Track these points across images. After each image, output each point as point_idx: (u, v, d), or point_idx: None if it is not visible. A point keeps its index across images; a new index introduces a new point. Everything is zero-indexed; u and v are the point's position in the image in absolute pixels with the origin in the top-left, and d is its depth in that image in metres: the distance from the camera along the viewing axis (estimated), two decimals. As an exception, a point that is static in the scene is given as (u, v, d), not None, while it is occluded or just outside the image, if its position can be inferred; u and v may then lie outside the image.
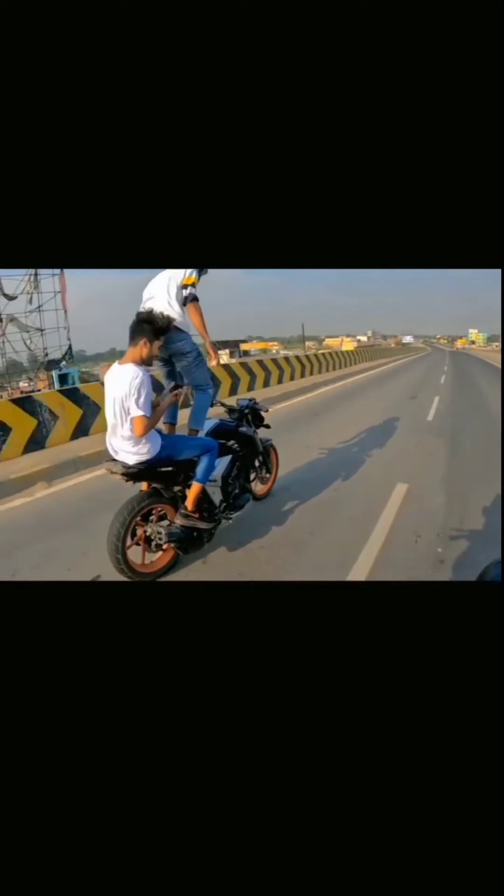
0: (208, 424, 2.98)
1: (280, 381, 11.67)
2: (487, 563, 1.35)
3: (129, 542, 2.34)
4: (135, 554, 2.46)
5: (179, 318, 2.72)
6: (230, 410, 3.32)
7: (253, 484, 3.40)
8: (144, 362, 2.23)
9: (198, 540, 2.56)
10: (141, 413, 2.15)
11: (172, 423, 3.00)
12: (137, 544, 2.45)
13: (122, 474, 2.30)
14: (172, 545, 2.47)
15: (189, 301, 2.76)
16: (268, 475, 3.68)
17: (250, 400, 3.45)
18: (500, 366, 21.41)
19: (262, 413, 3.45)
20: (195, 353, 2.85)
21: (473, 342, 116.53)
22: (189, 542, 2.50)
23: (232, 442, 3.01)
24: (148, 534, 2.48)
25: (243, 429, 3.15)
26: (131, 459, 2.28)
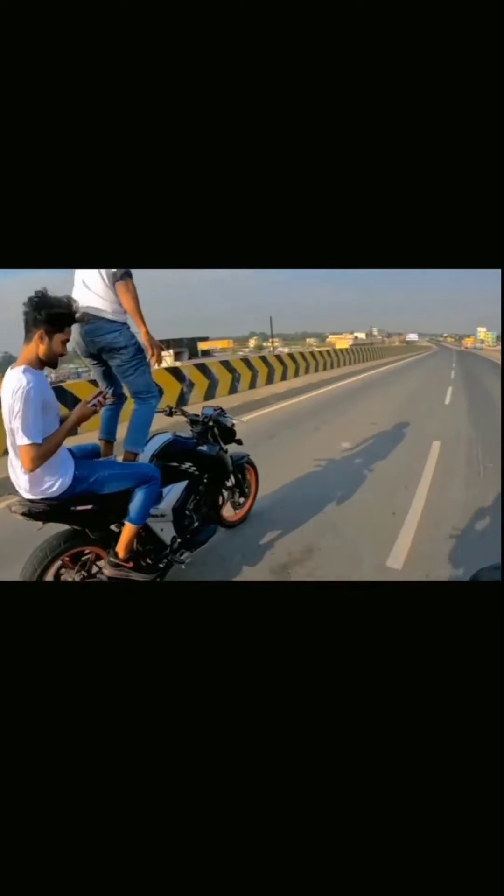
0: (155, 443, 2.33)
1: (252, 386, 9.92)
2: (483, 567, 1.33)
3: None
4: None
5: (113, 303, 2.12)
6: (192, 422, 2.68)
7: (224, 508, 2.86)
8: (44, 363, 1.67)
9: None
10: (25, 441, 1.56)
11: (109, 439, 2.34)
12: None
13: (24, 514, 1.75)
14: None
15: (119, 279, 2.08)
16: (242, 499, 3.03)
17: (216, 409, 2.80)
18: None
19: (230, 425, 2.80)
20: (133, 348, 2.17)
21: (483, 342, 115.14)
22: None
23: (188, 464, 2.39)
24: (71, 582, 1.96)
25: (204, 447, 2.50)
26: (33, 496, 1.72)
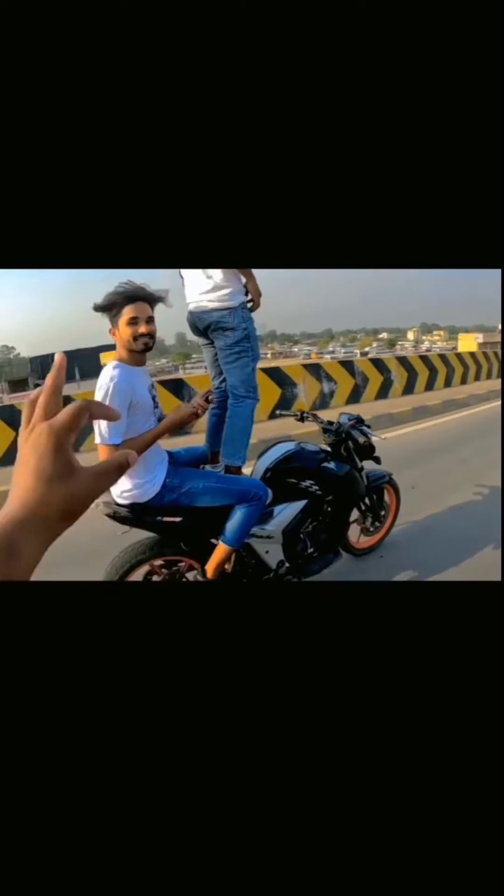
0: (274, 452, 2.06)
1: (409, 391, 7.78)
2: None
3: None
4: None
5: (222, 288, 1.82)
6: (325, 430, 2.35)
7: (352, 532, 2.50)
8: (125, 358, 1.59)
9: None
10: (102, 441, 1.51)
11: (214, 449, 2.10)
12: None
13: (108, 515, 1.72)
14: None
15: None
16: (377, 524, 2.61)
17: (353, 417, 2.43)
18: None
19: (367, 440, 2.33)
20: (241, 333, 1.86)
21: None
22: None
23: (309, 482, 2.07)
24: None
25: (331, 464, 2.18)
26: (119, 499, 1.69)
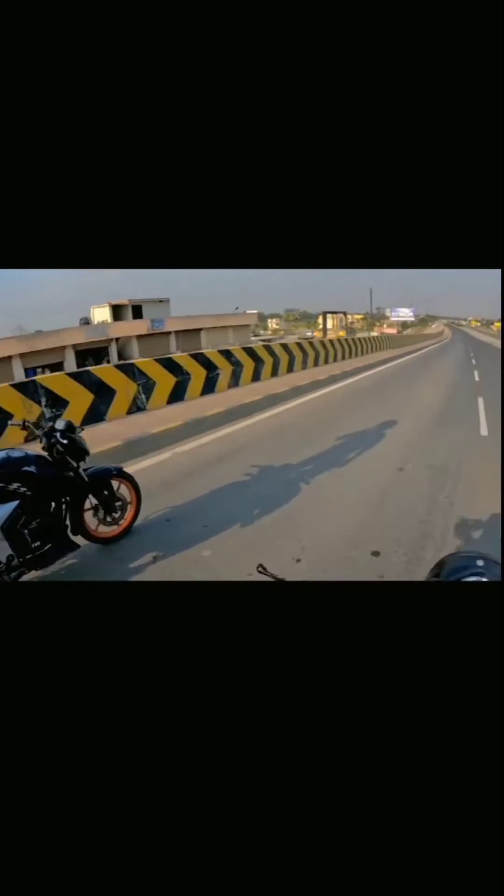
0: None
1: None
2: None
3: None
4: None
5: None
6: (38, 437, 2.63)
7: (97, 526, 2.83)
8: None
9: None
10: None
11: None
12: None
13: None
14: None
15: None
16: (115, 515, 2.93)
17: (66, 423, 2.70)
18: None
19: (74, 443, 2.63)
20: None
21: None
22: None
23: (16, 485, 2.36)
24: None
25: (30, 467, 2.44)
26: None
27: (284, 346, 11.41)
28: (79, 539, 2.69)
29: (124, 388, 6.50)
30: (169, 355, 7.76)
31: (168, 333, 27.51)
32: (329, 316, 36.51)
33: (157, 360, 7.25)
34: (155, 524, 3.25)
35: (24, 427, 2.73)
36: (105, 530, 2.94)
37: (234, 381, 9.19)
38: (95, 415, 6.02)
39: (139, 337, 25.97)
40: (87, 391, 5.93)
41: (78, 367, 19.10)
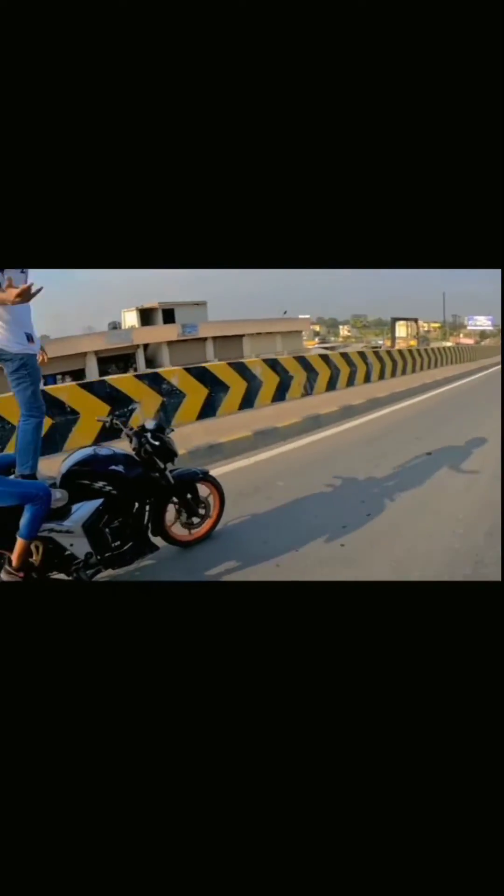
0: (72, 458, 2.38)
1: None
2: None
3: None
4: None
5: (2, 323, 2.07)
6: (127, 436, 2.58)
7: (176, 528, 2.76)
8: None
9: None
10: None
11: (28, 472, 2.29)
12: None
13: None
14: None
15: None
16: (196, 520, 2.83)
17: (156, 423, 2.66)
18: None
19: (164, 445, 2.58)
20: (17, 362, 2.15)
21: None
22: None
23: (102, 483, 2.35)
24: None
25: (117, 467, 2.41)
26: None
27: (331, 358, 9.36)
28: (157, 540, 2.65)
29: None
30: (202, 364, 6.71)
31: (203, 340, 25.16)
32: (401, 324, 33.07)
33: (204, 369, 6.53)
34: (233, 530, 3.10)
35: (109, 425, 2.69)
36: (185, 533, 2.87)
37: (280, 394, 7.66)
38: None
39: (170, 343, 23.93)
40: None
41: (100, 374, 18.51)
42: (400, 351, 12.22)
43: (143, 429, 2.60)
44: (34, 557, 2.17)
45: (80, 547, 2.26)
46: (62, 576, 2.27)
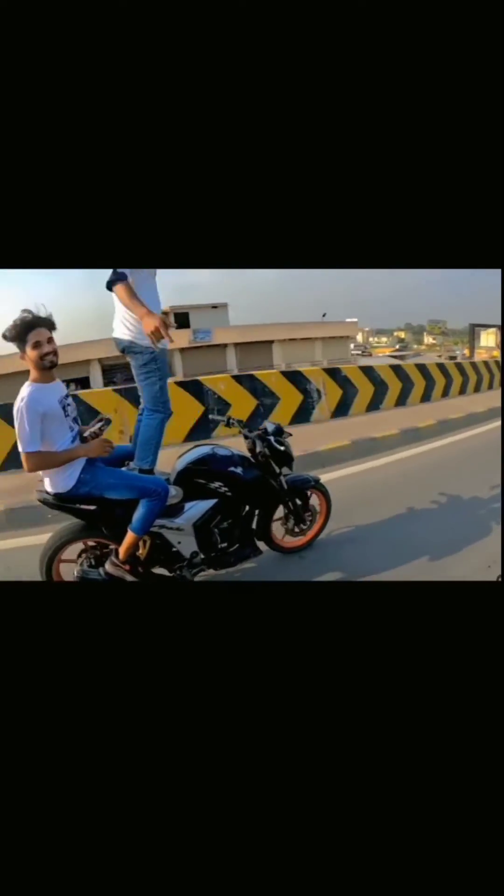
0: (190, 455, 2.34)
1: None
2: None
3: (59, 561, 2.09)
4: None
5: (131, 314, 2.03)
6: (245, 437, 2.51)
7: (283, 535, 2.67)
8: (36, 378, 1.83)
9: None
10: (21, 448, 1.80)
11: (146, 467, 2.25)
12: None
13: (40, 501, 2.03)
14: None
15: (113, 284, 1.99)
16: (303, 526, 2.72)
17: (275, 426, 2.57)
18: None
19: (283, 449, 2.49)
20: (147, 355, 2.11)
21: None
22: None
23: (217, 484, 2.29)
24: (79, 563, 2.15)
25: (236, 468, 2.35)
26: (46, 488, 1.98)
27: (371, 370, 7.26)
28: (261, 545, 2.59)
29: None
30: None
31: (223, 346, 22.93)
32: (485, 332, 27.67)
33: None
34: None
35: (228, 424, 2.65)
36: (289, 540, 2.79)
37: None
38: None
39: (183, 350, 21.61)
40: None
41: (105, 384, 18.07)
42: (474, 363, 9.99)
43: (265, 431, 2.54)
44: (140, 552, 2.14)
45: (187, 545, 2.22)
46: (164, 571, 2.24)
